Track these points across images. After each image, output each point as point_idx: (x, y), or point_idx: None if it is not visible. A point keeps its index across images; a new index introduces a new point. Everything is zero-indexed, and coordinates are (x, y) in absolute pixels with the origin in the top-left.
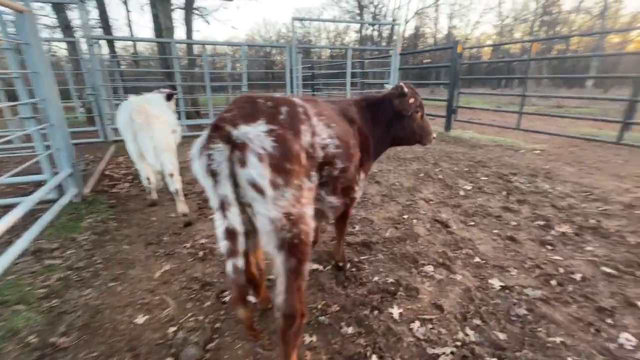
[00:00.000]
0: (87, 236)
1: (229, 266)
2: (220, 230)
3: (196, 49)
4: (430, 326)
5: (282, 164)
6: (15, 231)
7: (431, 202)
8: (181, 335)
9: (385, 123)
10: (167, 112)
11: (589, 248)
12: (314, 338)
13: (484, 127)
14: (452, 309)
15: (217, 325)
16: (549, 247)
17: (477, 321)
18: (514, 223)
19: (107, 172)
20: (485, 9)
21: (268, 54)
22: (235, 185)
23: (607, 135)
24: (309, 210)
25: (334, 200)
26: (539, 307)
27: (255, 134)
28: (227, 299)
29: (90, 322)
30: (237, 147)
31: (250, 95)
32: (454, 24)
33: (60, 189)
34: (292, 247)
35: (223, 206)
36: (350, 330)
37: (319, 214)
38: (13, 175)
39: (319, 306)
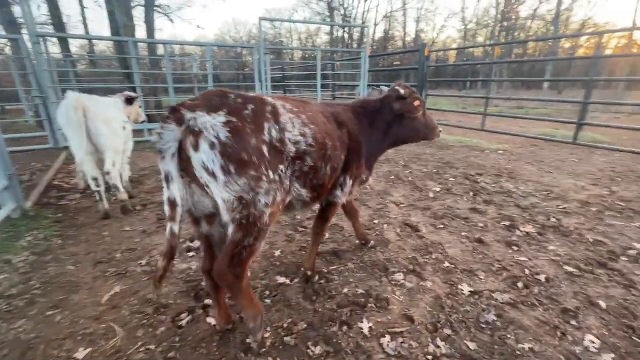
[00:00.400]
0: (25, 257)
1: (167, 228)
2: (164, 198)
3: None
4: (401, 340)
5: (236, 153)
6: None
7: (402, 205)
8: None
9: (384, 127)
10: (112, 111)
11: (551, 247)
12: None
13: (452, 129)
14: (423, 319)
15: (171, 354)
16: (515, 248)
17: (447, 331)
18: (481, 225)
19: (55, 183)
20: (450, 14)
21: (239, 55)
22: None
23: (563, 135)
24: (265, 199)
25: (304, 193)
26: (507, 312)
27: (213, 123)
28: (184, 322)
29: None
30: (193, 133)
31: (224, 90)
32: (421, 27)
33: None
34: (241, 225)
35: (167, 179)
36: (318, 350)
37: (290, 205)
38: None
39: (285, 325)
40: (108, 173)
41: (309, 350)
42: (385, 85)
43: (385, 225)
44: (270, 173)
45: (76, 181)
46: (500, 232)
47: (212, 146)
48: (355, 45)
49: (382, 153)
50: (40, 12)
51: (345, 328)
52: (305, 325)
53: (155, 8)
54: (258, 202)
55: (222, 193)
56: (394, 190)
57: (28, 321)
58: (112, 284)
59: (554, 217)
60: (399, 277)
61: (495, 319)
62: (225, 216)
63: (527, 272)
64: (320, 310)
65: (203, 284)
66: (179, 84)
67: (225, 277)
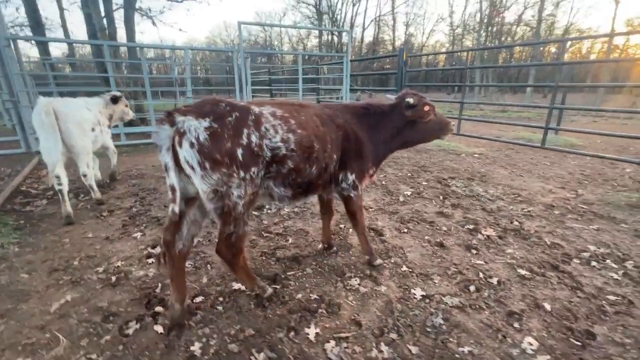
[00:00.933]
0: None
1: (170, 208)
2: (167, 184)
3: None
4: (345, 345)
5: (211, 153)
6: None
7: (370, 209)
8: None
9: (393, 130)
10: (83, 112)
11: (509, 250)
12: None
13: None
14: (370, 324)
15: None
16: (474, 252)
17: (393, 335)
18: (445, 228)
19: (23, 188)
20: (438, 19)
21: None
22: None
23: (538, 139)
24: (237, 192)
25: (282, 190)
26: (454, 315)
27: (196, 126)
28: (130, 330)
29: None
30: (179, 133)
31: (219, 99)
32: (410, 31)
33: None
34: (220, 214)
35: (166, 169)
36: (261, 357)
37: (270, 197)
38: None
39: (232, 332)
40: (84, 175)
41: (252, 357)
42: (392, 92)
43: (350, 230)
44: (242, 172)
45: (48, 182)
46: (462, 236)
47: (192, 145)
48: (344, 49)
49: (391, 152)
50: (20, 13)
51: (292, 334)
52: (252, 332)
53: (137, 10)
54: (231, 195)
55: (200, 184)
56: (365, 194)
57: None
58: (64, 292)
59: (517, 220)
60: (355, 282)
61: (441, 322)
62: (207, 205)
63: (480, 275)
64: (270, 316)
65: (157, 290)
66: (158, 88)
67: (224, 256)
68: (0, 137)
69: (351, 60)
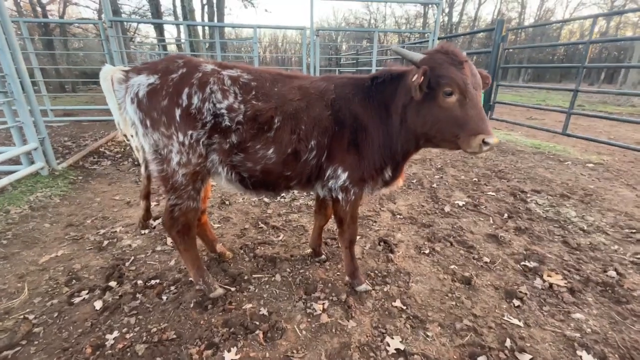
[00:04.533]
0: (21, 210)
1: (142, 169)
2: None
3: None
4: None
5: (149, 111)
6: None
7: (398, 216)
8: None
9: (401, 110)
10: None
11: (577, 316)
12: None
13: (525, 129)
14: None
15: (37, 329)
16: (514, 304)
17: None
18: (487, 259)
19: (102, 150)
20: None
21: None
22: None
23: None
24: (177, 158)
25: (229, 173)
26: None
27: (140, 83)
28: (76, 300)
29: None
30: (126, 90)
31: (180, 55)
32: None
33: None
34: (160, 177)
35: (133, 127)
36: None
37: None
38: None
39: (153, 330)
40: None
41: None
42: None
43: (359, 238)
44: (180, 135)
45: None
46: (508, 275)
47: (132, 101)
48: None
49: (405, 149)
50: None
51: (207, 352)
52: (173, 336)
53: None
54: (171, 160)
55: (143, 142)
56: (403, 196)
57: None
58: (61, 247)
59: (616, 270)
60: (320, 305)
61: None
62: (150, 166)
63: (507, 343)
64: (202, 322)
65: (126, 265)
66: None
67: (167, 229)
68: (101, 106)
69: (439, 38)
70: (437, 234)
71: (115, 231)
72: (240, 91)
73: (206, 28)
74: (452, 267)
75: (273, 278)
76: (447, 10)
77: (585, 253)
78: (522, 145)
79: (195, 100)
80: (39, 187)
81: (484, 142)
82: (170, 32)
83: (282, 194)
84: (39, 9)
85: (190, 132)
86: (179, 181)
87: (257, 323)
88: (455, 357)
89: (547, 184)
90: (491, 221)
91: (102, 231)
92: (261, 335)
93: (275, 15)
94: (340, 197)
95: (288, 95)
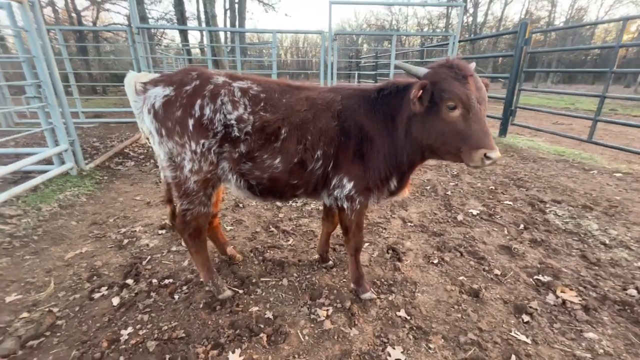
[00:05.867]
0: (52, 208)
1: (161, 175)
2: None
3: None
4: None
5: (164, 121)
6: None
7: (409, 224)
8: (18, 325)
9: (406, 121)
10: None
11: (590, 335)
12: None
13: (557, 136)
14: None
15: (59, 322)
16: (523, 320)
17: None
18: (497, 272)
19: (127, 151)
20: None
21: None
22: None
23: None
24: (190, 166)
25: (238, 181)
26: None
27: (156, 94)
28: (96, 295)
29: None
30: (144, 101)
31: (194, 68)
32: (581, 4)
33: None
34: (174, 184)
35: (149, 137)
36: None
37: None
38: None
39: (165, 327)
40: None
41: None
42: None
43: (366, 245)
44: (193, 144)
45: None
46: (519, 290)
47: (149, 112)
48: (484, 31)
49: (411, 159)
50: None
51: (213, 352)
52: (182, 335)
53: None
54: (184, 167)
55: (158, 150)
56: (416, 203)
57: (8, 259)
58: (86, 243)
59: (637, 288)
60: (324, 312)
61: None
62: (165, 172)
63: None
64: (209, 323)
65: (143, 263)
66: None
67: (180, 232)
68: (128, 108)
69: (460, 41)
70: (447, 244)
71: (135, 230)
72: (249, 102)
73: (228, 32)
74: (461, 278)
75: (280, 282)
76: (471, 10)
77: (604, 269)
78: (545, 152)
79: (207, 111)
80: (68, 186)
81: (486, 157)
82: (195, 36)
83: (290, 201)
84: (74, 15)
85: (202, 141)
86: (191, 187)
87: (262, 326)
88: None
89: (568, 194)
90: (505, 232)
91: (122, 230)
92: (265, 339)
93: (296, 16)
94: (345, 206)
95: (295, 106)
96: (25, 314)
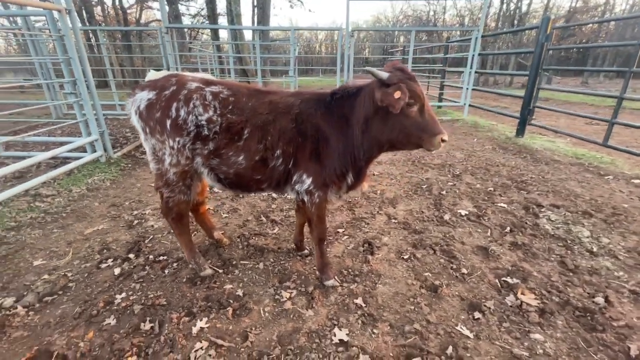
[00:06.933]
0: (80, 190)
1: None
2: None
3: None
4: (213, 353)
5: (147, 121)
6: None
7: (393, 220)
8: (38, 284)
9: (362, 121)
10: None
11: (536, 337)
12: (113, 321)
13: (564, 137)
14: (256, 344)
15: (71, 284)
16: (474, 317)
17: None
18: (465, 271)
19: None
20: None
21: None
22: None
23: None
24: (169, 159)
25: (209, 175)
26: None
27: (141, 97)
28: (103, 265)
29: (8, 253)
30: (132, 103)
31: (175, 74)
32: None
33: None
34: (157, 175)
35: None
36: (147, 326)
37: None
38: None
39: (151, 295)
40: None
41: (142, 323)
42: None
43: (346, 237)
44: (170, 141)
45: None
46: (479, 289)
47: (136, 112)
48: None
49: (367, 156)
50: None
51: (185, 319)
52: (163, 302)
53: None
54: (164, 160)
55: (145, 145)
56: (406, 201)
57: (40, 232)
58: (103, 222)
59: (606, 297)
60: (287, 294)
61: None
62: (150, 164)
63: (450, 352)
64: (188, 295)
65: (145, 242)
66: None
67: (165, 216)
68: None
69: (483, 36)
70: (424, 241)
71: (145, 213)
72: (219, 105)
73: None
74: (426, 274)
75: (257, 265)
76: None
77: (579, 276)
78: (562, 154)
79: (182, 113)
80: (97, 171)
81: (442, 140)
82: (225, 33)
83: (258, 194)
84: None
85: (177, 138)
86: (171, 178)
87: (231, 301)
88: (391, 354)
89: (572, 199)
90: (488, 233)
91: (135, 212)
92: (231, 312)
93: (320, 11)
94: (306, 199)
95: (259, 109)
96: (46, 276)
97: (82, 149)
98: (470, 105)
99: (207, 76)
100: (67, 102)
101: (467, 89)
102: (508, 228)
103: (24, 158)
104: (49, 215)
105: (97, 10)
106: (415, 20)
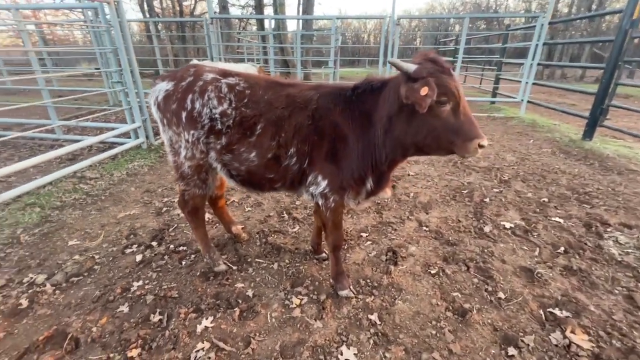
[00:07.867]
0: (121, 174)
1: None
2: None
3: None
4: (212, 356)
5: (165, 112)
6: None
7: (424, 228)
8: (68, 264)
9: (386, 120)
10: None
11: None
12: (126, 309)
13: None
14: (260, 352)
15: (96, 267)
16: (506, 353)
17: None
18: (501, 295)
19: None
20: None
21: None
22: None
23: None
24: (184, 152)
25: (222, 170)
26: None
27: (160, 88)
28: (127, 251)
29: (49, 231)
30: (152, 93)
31: (194, 65)
32: None
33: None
34: (174, 167)
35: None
36: (156, 318)
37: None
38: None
39: (165, 286)
40: None
41: (152, 314)
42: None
43: (369, 242)
44: (185, 134)
45: None
46: (517, 319)
47: (155, 103)
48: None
49: (390, 159)
50: None
51: (192, 315)
52: (175, 295)
53: None
54: (180, 153)
55: (163, 136)
56: (441, 207)
57: (80, 212)
58: (135, 206)
59: None
60: (298, 300)
61: None
62: (168, 156)
63: None
64: (199, 290)
65: (169, 230)
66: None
67: (181, 209)
68: None
69: (551, 23)
70: (457, 255)
71: (174, 201)
72: (234, 98)
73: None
74: (455, 294)
75: (271, 265)
76: None
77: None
78: (632, 160)
79: (197, 105)
80: (137, 157)
81: (480, 145)
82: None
83: (272, 193)
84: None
85: (192, 131)
86: (186, 172)
87: (240, 302)
88: None
89: None
90: (536, 253)
91: (165, 199)
92: (237, 313)
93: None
94: (320, 203)
95: (275, 103)
96: (77, 256)
97: (127, 135)
98: (528, 102)
99: (229, 66)
100: (115, 90)
101: (527, 82)
102: (562, 248)
103: (78, 142)
104: (89, 197)
105: (157, 2)
106: (475, 8)
